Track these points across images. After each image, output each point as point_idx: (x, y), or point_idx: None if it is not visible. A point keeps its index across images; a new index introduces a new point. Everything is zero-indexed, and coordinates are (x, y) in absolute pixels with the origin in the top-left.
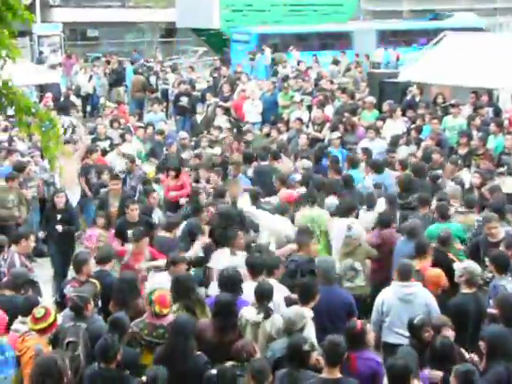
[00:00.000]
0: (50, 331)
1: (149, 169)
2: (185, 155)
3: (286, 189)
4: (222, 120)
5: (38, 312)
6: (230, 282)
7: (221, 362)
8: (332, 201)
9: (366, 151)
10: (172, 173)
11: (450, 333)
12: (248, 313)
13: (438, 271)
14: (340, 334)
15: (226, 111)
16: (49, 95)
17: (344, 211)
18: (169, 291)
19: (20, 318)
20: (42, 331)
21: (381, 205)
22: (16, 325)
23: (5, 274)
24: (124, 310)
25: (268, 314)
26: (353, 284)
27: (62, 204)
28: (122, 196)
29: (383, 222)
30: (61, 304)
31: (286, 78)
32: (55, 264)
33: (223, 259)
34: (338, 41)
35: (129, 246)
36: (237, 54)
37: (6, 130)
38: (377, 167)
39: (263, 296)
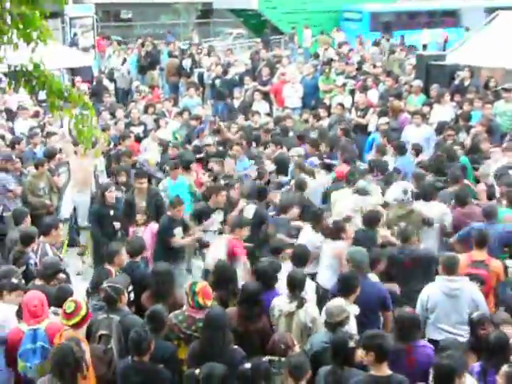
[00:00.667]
0: (84, 324)
1: None
2: (208, 140)
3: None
4: (260, 105)
5: (68, 307)
6: (265, 276)
7: (247, 352)
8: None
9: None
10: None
11: (510, 331)
12: (280, 303)
13: (500, 263)
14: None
15: (265, 96)
16: (78, 79)
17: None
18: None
19: (53, 308)
20: (76, 326)
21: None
22: (50, 316)
23: (36, 265)
24: (160, 303)
25: (301, 303)
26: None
27: (112, 199)
28: (149, 194)
29: (461, 200)
30: (92, 295)
31: (328, 61)
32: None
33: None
34: (446, 18)
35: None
36: (349, 33)
37: (36, 115)
38: (400, 149)
39: (295, 285)
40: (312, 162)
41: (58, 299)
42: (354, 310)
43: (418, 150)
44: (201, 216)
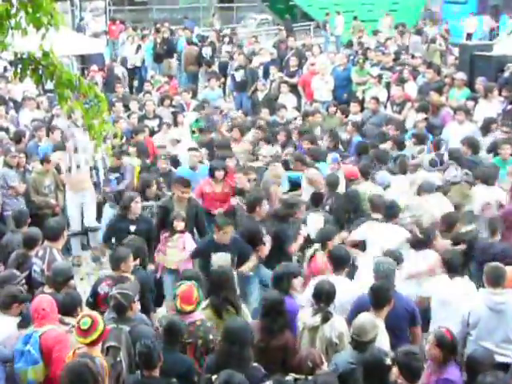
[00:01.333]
0: (101, 341)
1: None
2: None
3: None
4: (287, 98)
5: (84, 323)
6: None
7: (268, 369)
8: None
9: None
10: (219, 173)
11: None
12: (304, 316)
13: None
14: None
15: (292, 88)
16: (95, 68)
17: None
18: (197, 286)
19: (59, 316)
20: (93, 343)
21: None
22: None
23: (43, 272)
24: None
25: (327, 316)
26: None
27: (137, 211)
28: (189, 204)
29: None
30: (93, 305)
31: (362, 51)
32: None
33: None
34: None
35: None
36: (452, 16)
37: (39, 107)
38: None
39: (321, 297)
40: (335, 158)
41: (65, 307)
42: (382, 325)
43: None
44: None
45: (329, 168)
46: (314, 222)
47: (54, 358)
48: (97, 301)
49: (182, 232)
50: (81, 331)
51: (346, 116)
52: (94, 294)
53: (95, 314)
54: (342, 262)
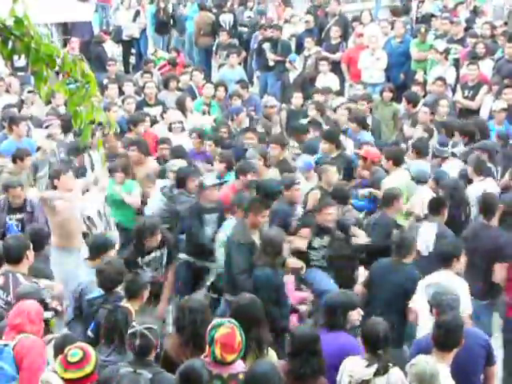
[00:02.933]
0: (89, 382)
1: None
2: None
3: None
4: (326, 79)
5: (73, 354)
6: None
7: None
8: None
9: None
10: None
11: None
12: (353, 365)
13: None
14: None
15: (334, 66)
16: (75, 40)
17: None
18: (239, 327)
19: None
20: (73, 382)
21: None
22: (47, 375)
23: (9, 306)
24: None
25: (384, 367)
26: None
27: (156, 243)
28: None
29: None
30: (94, 342)
31: (425, 18)
32: None
33: None
34: None
35: None
36: None
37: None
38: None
39: (378, 339)
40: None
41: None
42: (446, 372)
43: None
44: None
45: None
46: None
47: (24, 370)
48: (98, 337)
49: None
50: (68, 364)
51: (415, 105)
52: (97, 325)
53: (90, 349)
54: None
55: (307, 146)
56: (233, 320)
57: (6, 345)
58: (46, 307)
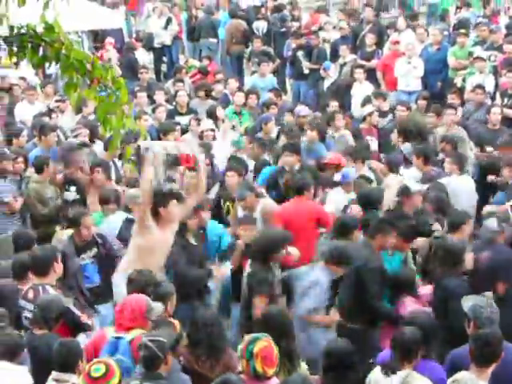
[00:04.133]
0: None
1: None
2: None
3: None
4: (362, 87)
5: (96, 369)
6: None
7: None
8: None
9: None
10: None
11: None
12: (376, 375)
13: None
14: None
15: (369, 74)
16: (110, 40)
17: None
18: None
19: (54, 373)
20: None
21: None
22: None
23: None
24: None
25: (406, 379)
26: None
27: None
28: None
29: None
30: None
31: (463, 25)
32: None
33: None
34: None
35: None
36: None
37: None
38: None
39: (404, 345)
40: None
41: (63, 360)
42: None
43: None
44: None
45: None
46: None
47: None
48: None
49: None
50: (91, 380)
51: (438, 116)
52: None
53: (112, 362)
54: None
55: None
56: (265, 334)
57: (119, 337)
58: (74, 322)
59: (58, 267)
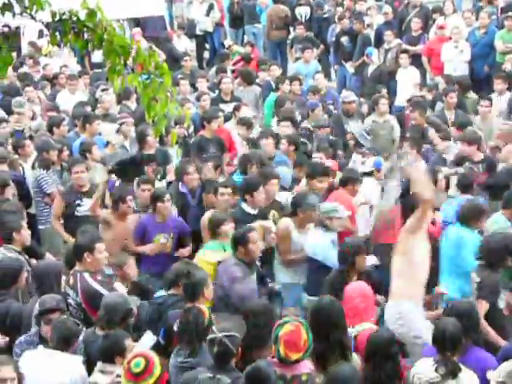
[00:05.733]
0: None
1: None
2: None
3: None
4: (407, 73)
5: (136, 364)
6: None
7: None
8: None
9: None
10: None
11: None
12: (422, 367)
13: None
14: None
15: (415, 59)
16: (137, 31)
17: None
18: (306, 325)
19: (99, 364)
20: None
21: None
22: (95, 376)
23: (80, 308)
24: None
25: (453, 370)
26: None
27: None
28: None
29: None
30: (165, 348)
31: (511, 7)
32: None
33: None
34: None
35: None
36: None
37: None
38: None
39: (446, 340)
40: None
41: (107, 351)
42: None
43: None
44: None
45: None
46: None
47: None
48: (171, 341)
49: None
50: (131, 375)
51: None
52: (167, 331)
53: (151, 353)
54: None
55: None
56: (300, 319)
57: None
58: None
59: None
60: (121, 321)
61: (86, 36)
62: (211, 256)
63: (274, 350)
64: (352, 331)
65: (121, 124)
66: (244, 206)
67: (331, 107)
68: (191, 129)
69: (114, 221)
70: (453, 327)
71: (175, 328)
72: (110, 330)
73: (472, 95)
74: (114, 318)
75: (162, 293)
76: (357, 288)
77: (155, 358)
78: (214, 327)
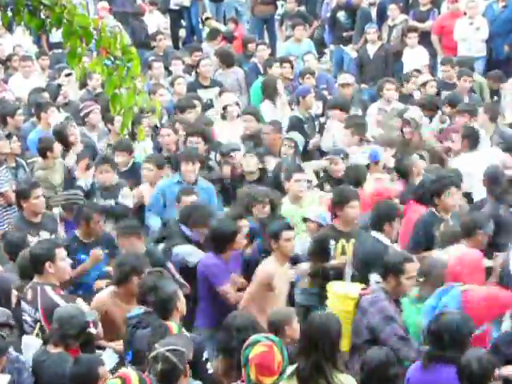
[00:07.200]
0: None
1: None
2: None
3: None
4: (414, 53)
5: None
6: None
7: None
8: None
9: None
10: None
11: None
12: None
13: None
14: None
15: (424, 37)
16: (104, 5)
17: None
18: (279, 344)
19: None
20: None
21: None
22: None
23: (36, 323)
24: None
25: None
26: None
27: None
28: None
29: None
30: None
31: None
32: None
33: None
34: None
35: None
36: None
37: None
38: None
39: (473, 375)
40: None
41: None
42: None
43: None
44: None
45: None
46: None
47: None
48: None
49: None
50: None
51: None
52: (135, 354)
53: (129, 371)
54: None
55: None
56: (272, 336)
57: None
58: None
59: (55, 267)
60: (76, 336)
61: (42, 15)
62: (349, 289)
63: (244, 373)
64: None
65: (86, 114)
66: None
67: (325, 93)
68: (164, 118)
69: None
70: (481, 363)
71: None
72: (66, 346)
73: (478, 78)
74: (68, 332)
75: (136, 311)
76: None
77: (133, 376)
78: (156, 344)
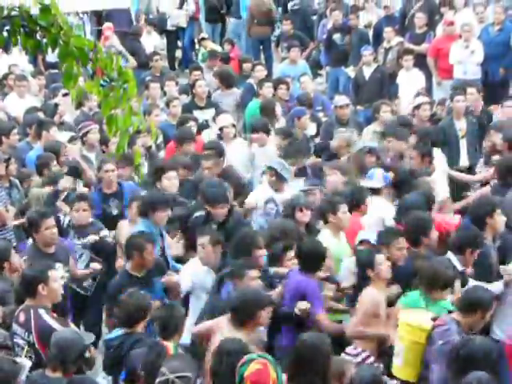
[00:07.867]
0: None
1: None
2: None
3: None
4: (410, 75)
5: None
6: None
7: None
8: None
9: None
10: None
11: None
12: None
13: None
14: None
15: (419, 60)
16: (109, 26)
17: None
18: (274, 363)
19: None
20: None
21: None
22: None
23: (31, 347)
24: None
25: None
26: None
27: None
28: None
29: None
30: None
31: None
32: None
33: None
34: None
35: None
36: None
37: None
38: None
39: None
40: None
41: None
42: None
43: None
44: None
45: None
46: None
47: None
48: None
49: None
50: None
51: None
52: (130, 374)
53: None
54: None
55: None
56: (266, 354)
57: None
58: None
59: (47, 289)
60: (76, 360)
61: (38, 36)
62: (422, 319)
63: None
64: None
65: (84, 134)
66: None
67: (320, 114)
68: (160, 139)
69: None
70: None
71: (139, 370)
72: (65, 371)
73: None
74: (68, 357)
75: (117, 332)
76: None
77: None
78: (163, 368)
